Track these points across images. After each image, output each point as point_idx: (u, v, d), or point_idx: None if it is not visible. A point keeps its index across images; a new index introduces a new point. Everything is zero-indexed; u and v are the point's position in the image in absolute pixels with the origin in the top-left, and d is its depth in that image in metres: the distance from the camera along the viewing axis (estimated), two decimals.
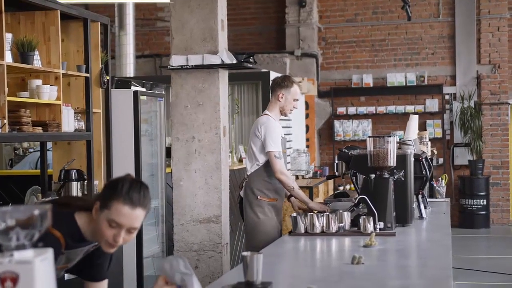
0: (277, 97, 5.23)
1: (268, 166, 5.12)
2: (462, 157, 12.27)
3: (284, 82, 5.25)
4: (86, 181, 5.59)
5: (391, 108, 12.45)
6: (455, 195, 12.36)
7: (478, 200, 11.92)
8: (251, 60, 6.19)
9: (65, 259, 2.63)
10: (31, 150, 8.62)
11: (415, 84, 12.40)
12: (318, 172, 11.18)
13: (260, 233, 5.07)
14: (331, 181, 11.17)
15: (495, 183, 12.27)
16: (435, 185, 6.36)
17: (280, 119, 5.35)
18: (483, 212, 11.96)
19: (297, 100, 5.30)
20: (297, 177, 10.30)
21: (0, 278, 1.73)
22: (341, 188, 11.84)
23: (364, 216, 4.17)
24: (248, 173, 5.23)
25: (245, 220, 5.22)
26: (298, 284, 2.86)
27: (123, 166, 6.15)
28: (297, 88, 5.28)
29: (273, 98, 5.30)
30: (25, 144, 8.70)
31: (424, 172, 4.97)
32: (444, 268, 3.11)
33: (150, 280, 6.58)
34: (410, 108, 12.31)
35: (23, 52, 4.85)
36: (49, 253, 1.81)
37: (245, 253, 2.63)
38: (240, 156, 7.87)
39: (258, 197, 5.12)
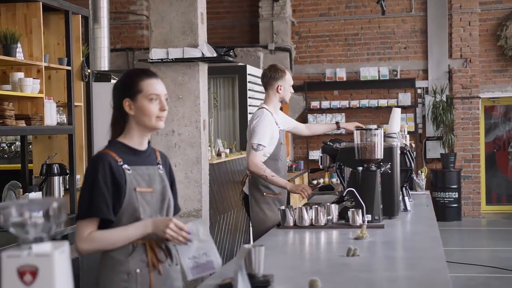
0: (276, 89, 5.21)
1: (270, 161, 5.06)
2: (434, 150, 12.40)
3: (278, 73, 5.24)
4: (68, 176, 5.52)
5: (364, 102, 12.51)
6: (427, 188, 12.47)
7: (450, 193, 12.07)
8: (231, 53, 6.17)
9: (141, 179, 2.75)
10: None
11: (388, 78, 12.47)
12: (294, 166, 11.23)
13: (268, 229, 5.01)
14: (305, 175, 11.22)
15: (466, 176, 12.42)
16: (415, 178, 6.41)
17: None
18: (455, 205, 12.11)
19: (292, 84, 5.38)
20: None
21: (19, 271, 1.71)
22: (319, 181, 11.91)
23: (353, 209, 4.19)
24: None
25: (251, 217, 5.18)
26: (299, 276, 2.86)
27: None
28: (289, 73, 5.35)
29: (270, 92, 5.25)
30: (11, 138, 8.50)
31: (408, 164, 5.01)
32: (439, 260, 3.14)
33: None
34: (383, 102, 12.38)
35: (5, 44, 4.78)
36: (65, 246, 1.79)
37: (247, 246, 2.63)
38: (219, 150, 7.84)
39: (264, 193, 5.10)
